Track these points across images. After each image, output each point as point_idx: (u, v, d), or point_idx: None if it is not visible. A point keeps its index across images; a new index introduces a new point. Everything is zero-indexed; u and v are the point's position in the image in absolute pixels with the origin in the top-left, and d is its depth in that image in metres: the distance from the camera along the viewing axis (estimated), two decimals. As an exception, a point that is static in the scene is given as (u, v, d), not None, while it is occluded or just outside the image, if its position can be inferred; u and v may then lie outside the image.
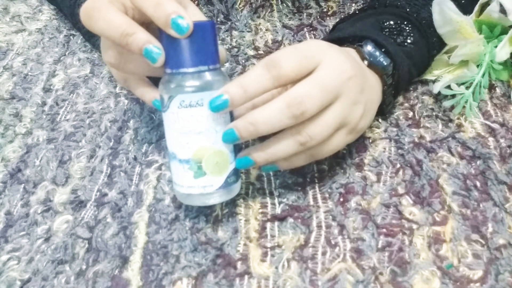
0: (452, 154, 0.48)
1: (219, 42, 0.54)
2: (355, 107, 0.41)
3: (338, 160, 0.48)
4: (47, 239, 0.43)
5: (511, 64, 0.56)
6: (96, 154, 0.51)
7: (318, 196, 0.45)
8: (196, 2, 0.70)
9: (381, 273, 0.39)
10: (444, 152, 0.48)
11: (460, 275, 0.38)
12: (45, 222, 0.45)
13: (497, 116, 0.52)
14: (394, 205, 0.44)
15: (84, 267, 0.41)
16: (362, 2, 0.71)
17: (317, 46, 0.40)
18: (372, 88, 0.45)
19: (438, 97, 0.54)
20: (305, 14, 0.70)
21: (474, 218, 0.42)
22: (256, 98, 0.38)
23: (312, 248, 0.41)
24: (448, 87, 0.51)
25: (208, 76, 0.38)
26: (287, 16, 0.70)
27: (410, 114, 0.52)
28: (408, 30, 0.50)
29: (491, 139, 0.49)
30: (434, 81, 0.56)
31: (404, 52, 0.49)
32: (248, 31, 0.67)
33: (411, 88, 0.56)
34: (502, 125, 0.50)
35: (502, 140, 0.49)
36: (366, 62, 0.46)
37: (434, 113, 0.52)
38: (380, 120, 0.52)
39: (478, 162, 0.47)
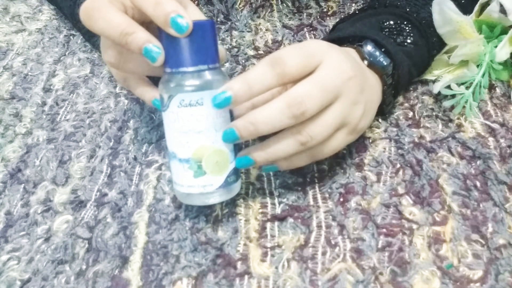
0: (452, 154, 0.48)
1: (219, 41, 0.54)
2: (355, 107, 0.41)
3: (338, 160, 0.48)
4: (47, 239, 0.43)
5: (511, 64, 0.56)
6: (96, 154, 0.51)
7: (318, 196, 0.45)
8: (196, 2, 0.70)
9: (381, 273, 0.39)
10: (444, 152, 0.48)
11: (460, 275, 0.38)
12: (45, 222, 0.45)
13: (497, 116, 0.52)
14: (394, 205, 0.44)
15: (84, 267, 0.41)
16: (362, 2, 0.71)
17: (318, 46, 0.40)
18: (372, 88, 0.45)
19: (438, 97, 0.54)
20: (305, 14, 0.70)
21: (474, 218, 0.42)
22: (257, 97, 0.38)
23: (312, 248, 0.41)
24: (448, 87, 0.51)
25: (208, 75, 0.38)
26: (287, 16, 0.70)
27: (410, 114, 0.52)
28: (408, 30, 0.50)
29: (491, 139, 0.49)
30: (434, 81, 0.56)
31: (404, 52, 0.49)
32: (248, 31, 0.67)
33: (411, 88, 0.56)
34: (502, 125, 0.50)
35: (502, 140, 0.49)
36: (366, 62, 0.46)
37: (434, 113, 0.52)
38: (380, 120, 0.52)
39: (478, 162, 0.47)
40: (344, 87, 0.39)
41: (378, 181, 0.46)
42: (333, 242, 0.41)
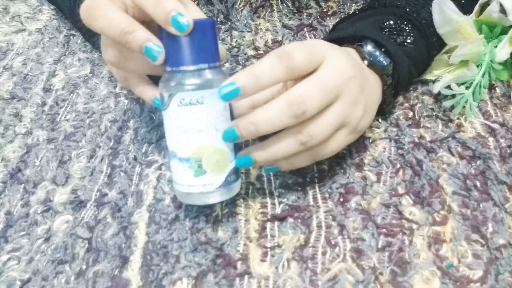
0: (452, 154, 0.48)
1: (219, 41, 0.54)
2: (355, 107, 0.41)
3: (338, 160, 0.48)
4: (47, 239, 0.43)
5: (511, 64, 0.56)
6: (96, 154, 0.51)
7: (318, 196, 0.45)
8: (196, 2, 0.70)
9: (381, 273, 0.39)
10: (444, 152, 0.48)
11: (460, 275, 0.38)
12: (45, 222, 0.45)
13: (497, 116, 0.52)
14: (394, 205, 0.44)
15: (84, 267, 0.41)
16: (362, 2, 0.71)
17: (320, 45, 0.40)
18: (372, 88, 0.45)
19: (438, 97, 0.54)
20: (305, 14, 0.70)
21: (474, 218, 0.42)
22: (257, 97, 0.38)
23: (312, 248, 0.41)
24: (448, 87, 0.51)
25: (208, 74, 0.38)
26: (287, 16, 0.70)
27: (410, 114, 0.52)
28: (408, 30, 0.50)
29: (491, 139, 0.49)
30: (434, 81, 0.56)
31: (404, 52, 0.49)
32: (248, 31, 0.67)
33: (411, 88, 0.56)
34: (502, 125, 0.50)
35: (502, 140, 0.49)
36: (366, 62, 0.46)
37: (434, 113, 0.52)
38: (380, 120, 0.52)
39: (478, 162, 0.47)
40: (344, 87, 0.39)
41: (378, 181, 0.46)
42: (333, 242, 0.41)
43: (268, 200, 0.45)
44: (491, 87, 0.55)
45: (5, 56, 0.67)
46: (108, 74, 0.62)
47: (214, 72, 0.39)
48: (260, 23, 0.69)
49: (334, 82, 0.38)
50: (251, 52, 0.63)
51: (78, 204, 0.46)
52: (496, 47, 0.53)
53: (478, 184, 0.45)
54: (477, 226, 0.42)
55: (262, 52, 0.63)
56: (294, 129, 0.38)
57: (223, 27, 0.68)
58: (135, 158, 0.50)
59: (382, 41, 0.47)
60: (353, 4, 0.71)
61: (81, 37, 0.68)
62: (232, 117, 0.40)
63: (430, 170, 0.46)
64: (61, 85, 0.61)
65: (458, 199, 0.44)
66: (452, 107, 0.52)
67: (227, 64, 0.62)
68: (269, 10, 0.71)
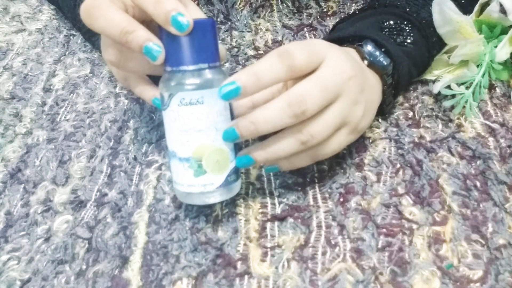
0: (452, 154, 0.48)
1: (219, 41, 0.54)
2: (355, 107, 0.41)
3: (338, 160, 0.48)
4: (47, 239, 0.43)
5: (511, 64, 0.56)
6: (96, 154, 0.51)
7: (318, 196, 0.45)
8: (196, 2, 0.70)
9: (381, 273, 0.39)
10: (444, 152, 0.48)
11: (460, 275, 0.38)
12: (45, 222, 0.45)
13: (497, 116, 0.52)
14: (394, 205, 0.44)
15: (84, 267, 0.41)
16: (362, 2, 0.71)
17: (320, 44, 0.40)
18: (372, 88, 0.45)
19: (438, 97, 0.54)
20: (305, 14, 0.70)
21: (474, 218, 0.42)
22: (257, 97, 0.38)
23: (312, 248, 0.41)
24: (448, 87, 0.51)
25: (208, 74, 0.38)
26: (287, 16, 0.70)
27: (410, 114, 0.52)
28: (408, 30, 0.50)
29: (491, 139, 0.49)
30: (434, 81, 0.56)
31: (404, 52, 0.49)
32: (248, 31, 0.67)
33: (411, 88, 0.56)
34: (502, 125, 0.50)
35: (502, 140, 0.49)
36: (366, 62, 0.46)
37: (434, 113, 0.52)
38: (380, 120, 0.52)
39: (478, 162, 0.47)
40: (344, 86, 0.39)
41: (378, 181, 0.46)
42: (333, 242, 0.41)
43: (268, 200, 0.45)
44: (491, 87, 0.55)
45: (5, 56, 0.67)
46: (108, 74, 0.62)
47: (214, 72, 0.39)
48: (260, 23, 0.69)
49: (334, 82, 0.38)
50: (251, 52, 0.63)
51: (78, 204, 0.46)
52: (496, 47, 0.53)
53: (478, 184, 0.45)
54: (477, 226, 0.42)
55: (262, 52, 0.63)
56: (294, 128, 0.38)
57: (223, 27, 0.68)
58: (135, 158, 0.50)
59: (382, 41, 0.47)
60: (353, 4, 0.71)
61: (81, 37, 0.68)
62: (232, 117, 0.40)
63: (430, 170, 0.46)
64: (61, 85, 0.61)
65: (458, 199, 0.44)
66: (452, 107, 0.52)
67: (227, 64, 0.62)
68: (269, 10, 0.71)
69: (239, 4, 0.71)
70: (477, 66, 0.52)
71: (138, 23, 0.38)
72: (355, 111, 0.41)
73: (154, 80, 0.44)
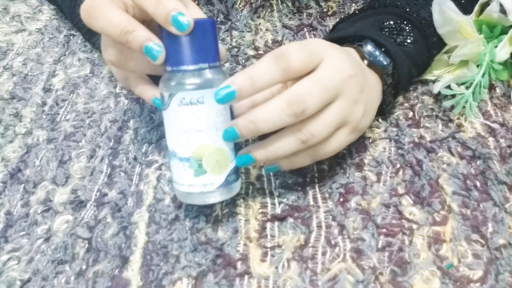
0: (452, 154, 0.48)
1: (219, 41, 0.54)
2: (355, 106, 0.41)
3: (338, 160, 0.48)
4: (47, 239, 0.43)
5: (511, 64, 0.56)
6: (96, 154, 0.51)
7: (318, 196, 0.45)
8: (196, 2, 0.70)
9: (381, 273, 0.39)
10: (444, 152, 0.48)
11: (460, 275, 0.38)
12: (45, 222, 0.45)
13: (497, 116, 0.52)
14: (394, 205, 0.44)
15: (84, 267, 0.41)
16: (362, 2, 0.71)
17: (319, 44, 0.40)
18: (372, 87, 0.45)
19: (438, 97, 0.54)
20: (305, 14, 0.70)
21: (474, 218, 0.42)
22: (257, 96, 0.38)
23: (312, 248, 0.41)
24: (448, 87, 0.51)
25: (208, 73, 0.38)
26: (287, 16, 0.70)
27: (410, 114, 0.52)
28: (408, 30, 0.50)
29: (491, 139, 0.49)
30: (434, 81, 0.56)
31: (404, 52, 0.49)
32: (248, 31, 0.68)
33: (411, 88, 0.56)
34: (502, 125, 0.50)
35: (502, 140, 0.49)
36: (366, 62, 0.46)
37: (434, 113, 0.52)
38: (380, 120, 0.52)
39: (478, 162, 0.47)
40: (344, 86, 0.39)
41: (378, 181, 0.46)
42: (333, 242, 0.41)
43: (268, 200, 0.45)
44: (491, 87, 0.55)
45: (5, 56, 0.67)
46: (108, 74, 0.62)
47: (215, 72, 0.39)
48: (260, 23, 0.69)
49: (334, 81, 0.38)
50: (251, 52, 0.63)
51: (78, 204, 0.46)
52: (496, 47, 0.53)
53: (478, 184, 0.45)
54: (477, 226, 0.42)
55: (262, 52, 0.63)
56: (294, 127, 0.38)
57: (223, 27, 0.68)
58: (135, 158, 0.50)
59: (382, 41, 0.47)
60: (353, 4, 0.71)
61: (81, 37, 0.68)
62: (232, 117, 0.40)
63: (430, 170, 0.46)
64: (61, 85, 0.61)
65: (458, 199, 0.44)
66: (452, 107, 0.52)
67: (227, 64, 0.62)
68: (269, 10, 0.71)
69: (239, 4, 0.71)
70: (477, 66, 0.52)
71: (138, 23, 0.38)
72: (355, 110, 0.41)
73: (154, 80, 0.44)
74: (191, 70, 0.38)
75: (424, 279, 0.38)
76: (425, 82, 0.56)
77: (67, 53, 0.66)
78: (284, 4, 0.71)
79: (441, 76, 0.56)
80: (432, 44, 0.52)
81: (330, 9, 0.70)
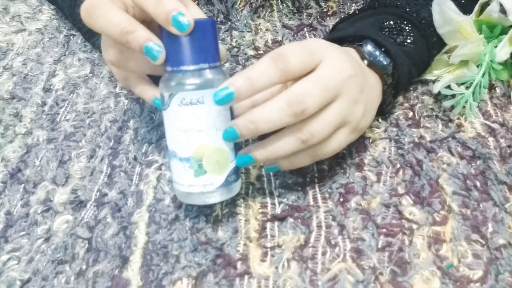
0: (452, 154, 0.48)
1: (219, 41, 0.54)
2: (355, 106, 0.41)
3: (338, 160, 0.48)
4: (47, 239, 0.43)
5: (511, 64, 0.56)
6: (96, 154, 0.51)
7: (318, 196, 0.45)
8: (196, 2, 0.70)
9: (381, 273, 0.39)
10: (444, 152, 0.48)
11: (460, 275, 0.38)
12: (45, 222, 0.45)
13: (497, 116, 0.52)
14: (394, 205, 0.44)
15: (84, 267, 0.41)
16: (362, 2, 0.71)
17: (318, 44, 0.40)
18: (372, 87, 0.45)
19: (438, 97, 0.54)
20: (305, 14, 0.70)
21: (474, 218, 0.42)
22: (257, 96, 0.38)
23: (312, 248, 0.41)
24: (448, 87, 0.51)
25: (208, 74, 0.38)
26: (287, 16, 0.70)
27: (410, 114, 0.52)
28: (408, 30, 0.50)
29: (491, 139, 0.49)
30: (434, 81, 0.56)
31: (404, 52, 0.49)
32: (248, 31, 0.68)
33: (411, 88, 0.56)
34: (502, 125, 0.50)
35: (502, 140, 0.49)
36: (366, 62, 0.46)
37: (434, 113, 0.52)
38: (380, 120, 0.52)
39: (478, 162, 0.47)
40: (344, 86, 0.39)
41: (378, 181, 0.46)
42: (333, 242, 0.41)
43: (268, 200, 0.45)
44: (491, 87, 0.55)
45: (5, 56, 0.67)
46: (108, 74, 0.62)
47: (215, 72, 0.39)
48: (260, 23, 0.69)
49: (334, 81, 0.38)
50: (251, 52, 0.63)
51: (78, 204, 0.46)
52: (496, 47, 0.53)
53: (478, 184, 0.45)
54: (477, 226, 0.42)
55: (262, 52, 0.63)
56: (294, 127, 0.38)
57: (223, 27, 0.68)
58: (135, 158, 0.50)
59: (382, 41, 0.47)
60: (353, 4, 0.71)
61: (81, 37, 0.68)
62: (233, 117, 0.40)
63: (430, 170, 0.46)
64: (61, 85, 0.61)
65: (458, 199, 0.44)
66: (452, 107, 0.52)
67: (227, 64, 0.62)
68: (269, 10, 0.71)
69: (239, 4, 0.71)
70: (477, 66, 0.52)
71: (139, 23, 0.38)
72: (355, 110, 0.41)
73: (154, 80, 0.44)
74: (191, 70, 0.38)
75: (424, 279, 0.38)
76: (425, 82, 0.56)
77: (67, 53, 0.66)
78: (284, 4, 0.71)
79: (441, 76, 0.56)
80: (432, 44, 0.52)
81: (330, 9, 0.70)
